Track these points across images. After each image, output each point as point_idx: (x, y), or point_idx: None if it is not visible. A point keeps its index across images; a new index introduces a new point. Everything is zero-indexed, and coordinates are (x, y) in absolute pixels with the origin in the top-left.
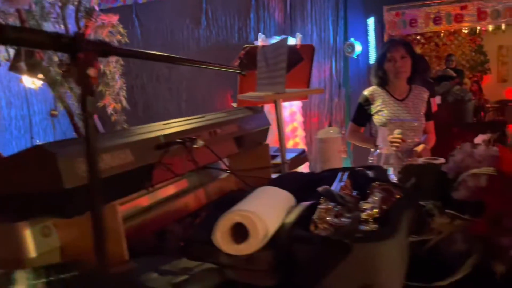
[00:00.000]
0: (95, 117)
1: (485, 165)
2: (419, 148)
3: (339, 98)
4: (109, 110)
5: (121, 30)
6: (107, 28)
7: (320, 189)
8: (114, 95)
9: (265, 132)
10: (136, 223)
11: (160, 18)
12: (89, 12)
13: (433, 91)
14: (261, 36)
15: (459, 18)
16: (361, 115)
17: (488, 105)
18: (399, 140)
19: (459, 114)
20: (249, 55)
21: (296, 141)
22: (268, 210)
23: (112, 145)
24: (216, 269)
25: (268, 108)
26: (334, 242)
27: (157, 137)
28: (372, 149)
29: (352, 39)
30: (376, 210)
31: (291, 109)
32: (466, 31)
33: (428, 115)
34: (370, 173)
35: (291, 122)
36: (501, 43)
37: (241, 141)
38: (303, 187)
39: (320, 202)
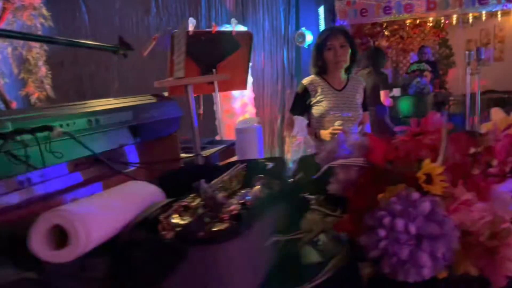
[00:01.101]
0: (13, 105)
1: (357, 155)
2: None
3: (291, 89)
4: (33, 99)
5: (45, 12)
6: (28, 10)
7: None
8: (37, 83)
9: (175, 122)
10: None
11: (108, 4)
12: None
13: (386, 83)
14: (192, 21)
15: (408, 8)
16: (299, 105)
17: (452, 98)
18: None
19: (419, 106)
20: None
21: None
22: (105, 209)
23: None
24: (30, 280)
25: (220, 100)
26: (169, 245)
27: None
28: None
29: (303, 29)
30: (233, 208)
31: (243, 100)
32: (430, 24)
33: (364, 106)
34: (269, 165)
35: (242, 113)
36: (469, 37)
37: (138, 131)
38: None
39: (186, 198)
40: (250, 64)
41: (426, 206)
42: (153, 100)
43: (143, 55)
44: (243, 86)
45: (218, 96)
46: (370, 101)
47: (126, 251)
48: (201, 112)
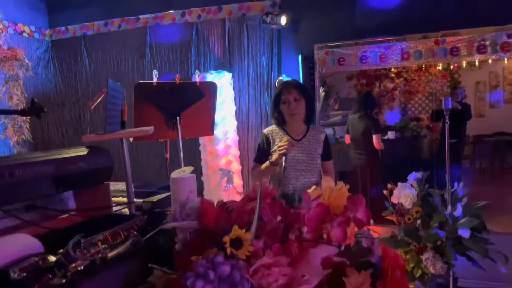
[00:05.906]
0: None
1: (193, 217)
2: (310, 190)
3: None
4: (12, 141)
5: (28, 63)
6: (10, 60)
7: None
8: (16, 127)
9: (106, 172)
10: None
11: (106, 49)
12: None
13: (378, 127)
14: (154, 73)
15: (384, 58)
16: (262, 154)
17: (453, 141)
18: (286, 144)
19: (414, 149)
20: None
21: None
22: None
23: None
24: None
25: (204, 142)
26: None
27: None
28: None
29: (283, 75)
30: (80, 263)
31: (226, 142)
32: (439, 67)
33: (326, 155)
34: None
35: (225, 155)
36: (478, 79)
37: (62, 181)
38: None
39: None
40: (235, 108)
41: (225, 269)
42: (83, 152)
43: (90, 107)
44: (209, 132)
45: (181, 142)
46: (362, 146)
47: None
48: (168, 156)
